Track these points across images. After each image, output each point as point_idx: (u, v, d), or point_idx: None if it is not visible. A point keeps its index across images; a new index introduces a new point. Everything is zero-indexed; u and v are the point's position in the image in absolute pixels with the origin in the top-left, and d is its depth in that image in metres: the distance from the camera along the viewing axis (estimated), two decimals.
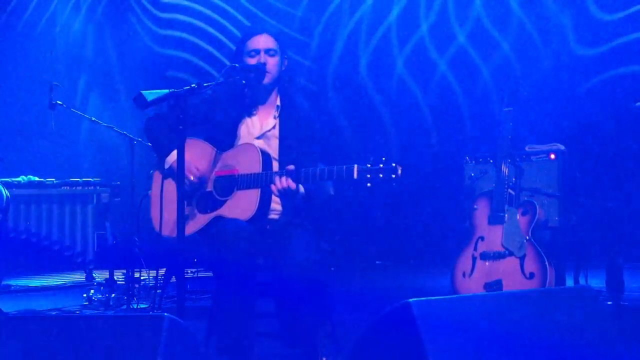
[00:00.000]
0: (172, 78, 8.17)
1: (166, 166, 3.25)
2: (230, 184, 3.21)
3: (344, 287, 6.12)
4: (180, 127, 2.77)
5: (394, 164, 2.89)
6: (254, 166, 3.16)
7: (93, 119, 5.43)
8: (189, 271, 5.55)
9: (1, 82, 7.83)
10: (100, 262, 5.76)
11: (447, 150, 7.45)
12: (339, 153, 6.43)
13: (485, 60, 7.93)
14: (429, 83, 8.15)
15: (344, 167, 2.96)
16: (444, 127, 8.00)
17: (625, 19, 7.27)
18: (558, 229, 4.68)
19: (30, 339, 2.09)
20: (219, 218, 3.17)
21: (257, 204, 3.12)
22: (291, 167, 3.04)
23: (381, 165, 2.90)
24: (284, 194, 3.07)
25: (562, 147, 4.87)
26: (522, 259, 3.95)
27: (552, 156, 4.79)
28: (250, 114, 3.38)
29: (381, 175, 2.89)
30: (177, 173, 2.80)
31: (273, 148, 3.34)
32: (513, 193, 4.17)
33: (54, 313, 4.81)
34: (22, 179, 5.50)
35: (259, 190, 3.13)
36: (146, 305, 5.11)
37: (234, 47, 3.55)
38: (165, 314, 2.00)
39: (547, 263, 3.89)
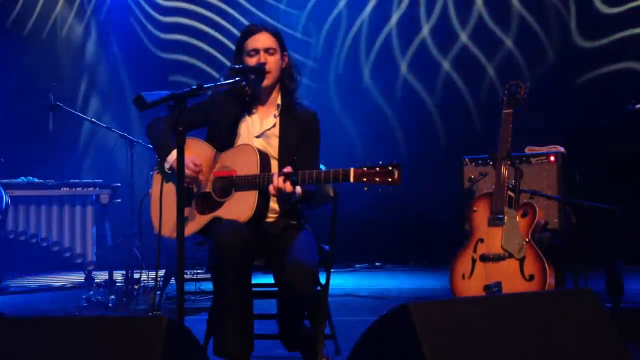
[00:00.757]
0: (175, 82, 8.18)
1: (166, 166, 3.24)
2: (229, 185, 3.20)
3: (343, 288, 6.12)
4: (180, 128, 2.77)
5: (390, 167, 2.87)
6: (252, 168, 3.16)
7: (93, 120, 5.43)
8: (188, 272, 5.55)
9: (1, 83, 7.83)
10: (100, 263, 5.76)
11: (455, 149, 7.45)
12: (345, 155, 6.45)
13: (489, 57, 7.93)
14: (434, 84, 8.15)
15: (341, 170, 2.95)
16: (451, 125, 8.01)
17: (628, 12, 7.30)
18: (558, 231, 4.68)
19: (29, 340, 2.08)
20: (217, 219, 3.17)
21: (255, 206, 3.12)
22: (288, 168, 3.03)
23: (378, 169, 2.88)
24: (281, 195, 3.06)
25: (562, 149, 4.87)
26: (521, 261, 3.94)
27: (552, 158, 4.79)
28: (250, 113, 3.38)
29: (378, 179, 2.88)
30: (178, 173, 2.80)
31: (273, 147, 3.33)
32: (513, 195, 4.16)
33: (53, 314, 4.81)
34: (21, 180, 5.50)
35: (257, 192, 3.13)
36: (145, 307, 5.11)
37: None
38: (164, 315, 2.00)
39: (546, 265, 3.89)
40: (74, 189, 5.55)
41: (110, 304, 5.18)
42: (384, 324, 2.08)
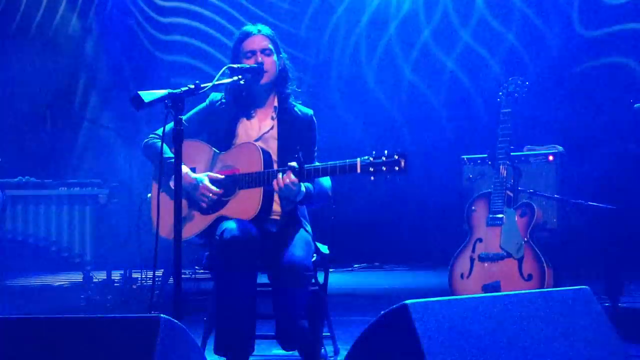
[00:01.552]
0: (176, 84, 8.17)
1: (172, 183, 3.22)
2: (232, 183, 3.20)
3: (342, 289, 6.12)
4: (178, 127, 2.76)
5: (396, 156, 2.87)
6: (256, 165, 3.16)
7: (91, 119, 5.42)
8: (187, 272, 5.55)
9: (0, 83, 7.83)
10: (98, 263, 5.75)
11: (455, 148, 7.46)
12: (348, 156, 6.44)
13: (493, 53, 7.92)
14: (439, 84, 8.15)
15: (347, 161, 2.94)
16: (451, 124, 8.01)
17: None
18: (556, 230, 4.68)
19: (27, 340, 2.08)
20: (223, 218, 3.16)
21: (260, 203, 3.11)
22: (294, 163, 3.03)
23: (384, 158, 2.88)
24: (286, 191, 3.05)
25: (561, 149, 4.87)
26: (520, 260, 3.94)
27: (551, 158, 4.79)
28: (248, 116, 3.37)
29: (384, 168, 2.87)
30: (176, 173, 2.79)
31: (272, 149, 3.33)
32: (511, 195, 4.16)
33: (51, 314, 4.80)
34: (20, 179, 5.49)
35: (262, 188, 3.12)
36: (143, 306, 5.11)
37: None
38: (162, 315, 1.99)
39: (545, 265, 3.89)
40: (72, 188, 5.54)
41: (108, 304, 5.18)
42: (383, 323, 2.07)
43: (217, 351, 3.09)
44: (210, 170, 3.27)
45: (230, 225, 3.05)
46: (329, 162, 3.05)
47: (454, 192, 5.25)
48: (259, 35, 3.34)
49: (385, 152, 2.89)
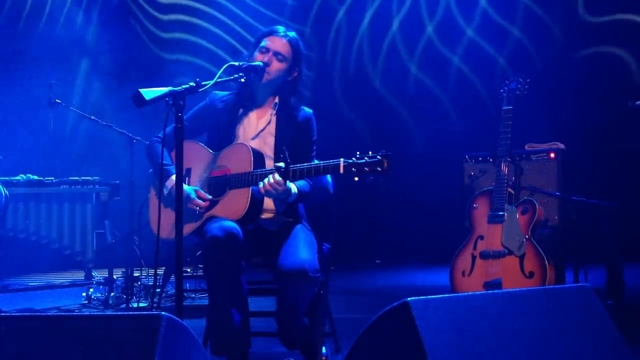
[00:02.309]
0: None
1: (165, 192, 3.23)
2: (223, 184, 3.21)
3: (344, 287, 6.12)
4: (179, 125, 2.76)
5: (379, 157, 2.87)
6: (245, 165, 3.16)
7: (92, 117, 5.42)
8: (188, 270, 5.55)
9: (1, 81, 7.82)
10: (100, 261, 5.75)
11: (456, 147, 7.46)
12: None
13: (498, 48, 7.91)
14: (446, 81, 8.14)
15: (331, 162, 2.95)
16: (452, 123, 8.00)
17: None
18: (558, 227, 4.67)
19: (29, 338, 2.08)
20: (212, 218, 3.17)
21: (248, 203, 3.11)
22: (280, 164, 3.02)
23: (367, 159, 2.88)
24: (273, 192, 3.05)
25: (562, 146, 4.86)
26: (521, 258, 3.94)
27: (552, 155, 4.78)
28: (247, 115, 3.38)
29: (367, 169, 2.87)
30: (177, 172, 2.79)
31: (269, 145, 3.33)
32: (513, 192, 4.16)
33: (53, 312, 4.81)
34: (21, 177, 5.49)
35: (250, 189, 3.13)
36: (145, 304, 5.11)
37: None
38: (163, 312, 1.99)
39: (546, 262, 3.88)
40: (73, 186, 5.53)
41: (110, 302, 5.18)
42: (384, 320, 2.07)
43: (213, 352, 3.09)
44: (206, 171, 3.28)
45: (214, 225, 3.05)
46: (313, 163, 3.06)
47: (456, 189, 5.24)
48: (282, 39, 3.33)
49: (370, 152, 2.89)
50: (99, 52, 8.50)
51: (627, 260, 4.69)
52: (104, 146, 7.77)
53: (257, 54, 3.31)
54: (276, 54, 3.30)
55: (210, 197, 3.21)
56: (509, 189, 4.12)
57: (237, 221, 3.10)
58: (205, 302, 4.95)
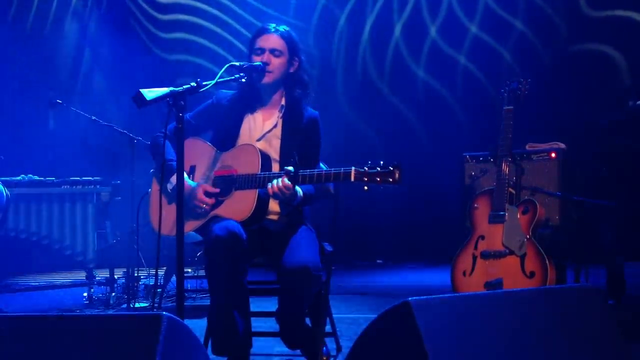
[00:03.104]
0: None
1: (169, 187, 3.23)
2: (229, 184, 3.20)
3: (345, 287, 6.12)
4: (180, 125, 2.76)
5: (391, 168, 2.87)
6: (253, 167, 3.15)
7: (93, 117, 5.42)
8: (190, 270, 5.55)
9: (2, 81, 7.83)
10: (101, 261, 5.75)
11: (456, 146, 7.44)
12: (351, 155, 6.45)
13: (503, 43, 7.90)
14: (453, 80, 8.13)
15: (342, 169, 2.94)
16: (452, 123, 7.98)
17: None
18: (559, 227, 4.67)
19: (30, 338, 2.08)
20: (216, 217, 3.16)
21: (254, 205, 3.11)
22: (289, 168, 3.02)
23: (379, 169, 2.88)
24: (280, 196, 3.05)
25: (563, 146, 4.86)
26: (522, 257, 3.94)
27: (553, 155, 4.78)
28: (253, 114, 3.37)
29: (378, 179, 2.87)
30: (177, 172, 2.79)
31: (274, 148, 3.32)
32: (514, 192, 4.16)
33: (54, 312, 4.81)
34: (22, 177, 5.49)
35: (257, 191, 3.12)
36: (146, 304, 5.11)
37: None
38: (164, 312, 1.99)
39: (547, 262, 3.88)
40: (74, 186, 5.54)
41: (111, 302, 5.19)
42: (385, 320, 2.07)
43: (214, 352, 3.09)
44: (210, 170, 3.27)
45: (218, 225, 3.05)
46: (323, 169, 3.06)
47: (456, 189, 5.24)
48: (274, 35, 3.32)
49: (381, 162, 2.89)
50: (99, 52, 8.50)
51: (628, 260, 4.69)
52: (105, 146, 7.78)
53: (253, 57, 3.31)
54: (272, 50, 3.30)
55: (218, 190, 3.20)
56: (510, 189, 4.12)
57: (242, 222, 3.10)
58: (206, 302, 4.96)
